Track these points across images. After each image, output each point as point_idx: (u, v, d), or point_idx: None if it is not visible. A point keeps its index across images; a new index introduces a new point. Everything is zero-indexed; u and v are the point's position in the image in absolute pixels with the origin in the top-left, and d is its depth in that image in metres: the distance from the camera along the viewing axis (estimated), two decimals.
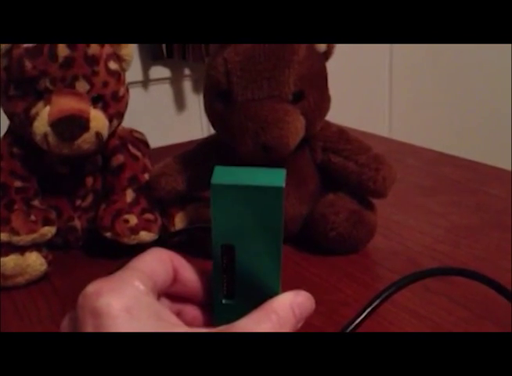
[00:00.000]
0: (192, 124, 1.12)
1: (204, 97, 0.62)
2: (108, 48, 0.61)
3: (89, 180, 0.66)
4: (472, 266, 0.57)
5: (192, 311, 0.33)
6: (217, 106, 0.59)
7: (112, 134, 0.64)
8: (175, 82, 1.09)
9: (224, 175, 0.29)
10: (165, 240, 0.61)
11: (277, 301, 0.28)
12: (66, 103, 0.57)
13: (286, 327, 0.28)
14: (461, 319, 0.49)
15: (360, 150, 0.62)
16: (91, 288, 0.26)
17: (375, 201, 0.64)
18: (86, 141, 0.58)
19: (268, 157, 0.57)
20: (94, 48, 0.59)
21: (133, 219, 0.61)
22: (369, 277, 0.57)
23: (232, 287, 0.31)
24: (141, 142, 0.73)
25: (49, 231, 0.60)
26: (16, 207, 0.59)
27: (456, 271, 0.43)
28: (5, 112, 0.62)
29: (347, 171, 0.61)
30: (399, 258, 0.60)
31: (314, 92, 0.58)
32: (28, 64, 0.57)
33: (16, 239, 0.57)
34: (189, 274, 0.32)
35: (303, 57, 0.57)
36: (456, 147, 0.97)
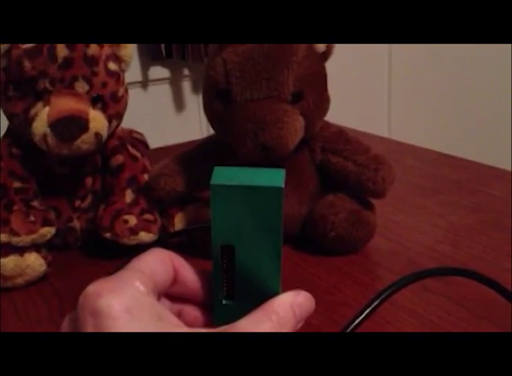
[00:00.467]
0: (192, 124, 1.12)
1: (203, 97, 0.62)
2: (107, 49, 0.61)
3: (88, 181, 0.66)
4: (471, 266, 0.57)
5: (193, 311, 0.33)
6: (216, 106, 0.59)
7: (111, 134, 0.64)
8: (174, 83, 1.09)
9: (223, 175, 0.29)
10: (165, 241, 0.61)
11: (277, 302, 0.28)
12: (65, 104, 0.57)
13: (287, 327, 0.28)
14: (460, 319, 0.49)
15: (359, 150, 0.62)
16: (92, 289, 0.26)
17: (374, 201, 0.64)
18: (85, 141, 0.58)
19: (267, 158, 0.57)
20: (93, 49, 0.59)
21: (132, 220, 0.61)
22: (369, 277, 0.57)
23: (232, 287, 0.31)
24: (140, 143, 0.73)
25: (49, 232, 0.60)
26: (15, 207, 0.59)
27: (455, 271, 0.43)
28: (5, 113, 0.62)
29: (347, 171, 0.61)
30: (399, 258, 0.60)
31: (313, 93, 0.58)
32: (27, 65, 0.57)
33: (15, 240, 0.57)
34: (189, 275, 0.32)
35: (302, 58, 0.57)
36: (456, 147, 0.97)
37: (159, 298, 0.30)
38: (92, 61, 0.59)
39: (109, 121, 0.61)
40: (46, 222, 0.59)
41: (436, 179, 0.82)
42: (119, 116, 0.64)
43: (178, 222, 0.64)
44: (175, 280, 0.31)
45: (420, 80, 1.32)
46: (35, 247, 0.59)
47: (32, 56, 0.57)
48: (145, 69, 1.05)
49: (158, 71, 1.06)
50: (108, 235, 0.61)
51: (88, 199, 0.66)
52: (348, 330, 0.32)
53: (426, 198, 0.76)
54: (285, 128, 0.56)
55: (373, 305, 0.33)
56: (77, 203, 0.65)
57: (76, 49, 0.58)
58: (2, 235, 0.57)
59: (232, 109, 0.57)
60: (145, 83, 1.06)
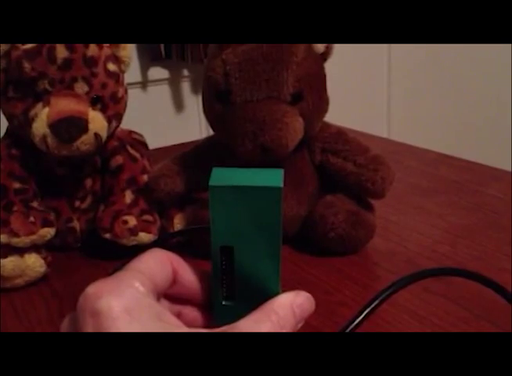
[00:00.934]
0: (191, 125, 1.12)
1: (203, 98, 0.62)
2: (107, 50, 0.61)
3: (88, 181, 0.66)
4: (470, 267, 0.57)
5: (192, 312, 0.33)
6: (215, 107, 0.59)
7: (111, 135, 0.64)
8: (174, 83, 1.09)
9: (222, 176, 0.29)
10: (164, 241, 0.61)
11: (277, 302, 0.29)
12: (65, 105, 0.57)
13: (287, 328, 0.28)
14: (460, 319, 0.49)
15: (359, 150, 0.62)
16: (92, 290, 0.26)
17: (373, 202, 0.64)
18: (85, 142, 0.58)
19: (266, 158, 0.57)
20: (93, 50, 0.59)
21: (132, 220, 0.61)
22: (368, 278, 0.57)
23: (231, 288, 0.31)
24: (140, 144, 0.73)
25: (48, 232, 0.60)
26: (15, 208, 0.59)
27: (455, 271, 0.43)
28: (4, 113, 0.62)
29: (346, 171, 0.62)
30: (398, 258, 0.60)
31: (312, 93, 0.58)
32: (27, 66, 0.57)
33: (15, 240, 0.57)
34: (188, 275, 0.32)
35: (301, 58, 0.57)
36: (455, 148, 0.97)
37: (158, 299, 0.30)
38: (92, 62, 0.59)
39: (109, 122, 0.61)
40: (46, 223, 0.59)
41: (435, 180, 0.82)
42: (118, 117, 0.64)
43: (178, 223, 0.64)
44: (175, 280, 0.31)
45: (419, 80, 1.32)
46: (35, 247, 0.59)
47: (32, 57, 0.57)
48: (144, 70, 1.05)
49: (157, 72, 1.06)
50: (108, 236, 0.61)
51: (88, 200, 0.66)
52: (348, 331, 0.32)
53: (425, 199, 0.76)
54: (284, 129, 0.56)
55: (372, 306, 0.33)
56: (77, 203, 0.65)
57: (75, 50, 0.58)
58: (2, 236, 0.57)
59: (231, 110, 0.57)
60: (144, 84, 1.06)
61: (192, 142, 0.73)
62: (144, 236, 0.61)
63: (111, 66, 0.61)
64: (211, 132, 0.64)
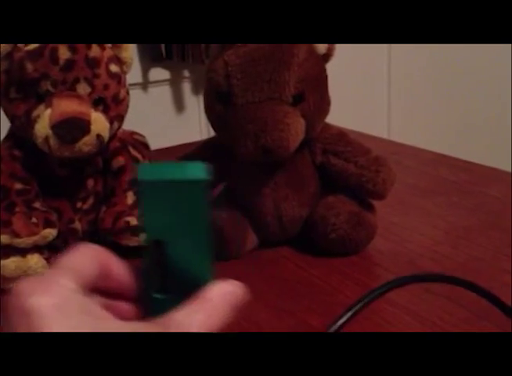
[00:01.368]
0: (192, 125, 1.12)
1: (205, 99, 0.62)
2: (109, 51, 0.61)
3: (90, 182, 0.66)
4: (470, 267, 0.58)
5: (125, 306, 0.32)
6: (217, 108, 0.59)
7: (113, 136, 0.64)
8: (175, 84, 1.09)
9: (149, 171, 0.29)
10: None
11: (210, 291, 0.29)
12: (67, 106, 0.57)
13: (221, 316, 0.28)
14: (461, 320, 0.49)
15: (360, 152, 0.62)
16: (20, 288, 0.26)
17: (374, 203, 0.64)
18: (87, 143, 0.58)
19: (268, 159, 0.57)
20: (95, 51, 0.59)
21: (134, 221, 0.61)
22: (369, 279, 0.57)
23: (164, 281, 0.31)
24: (141, 145, 0.73)
25: (50, 233, 0.60)
26: (16, 209, 0.59)
27: (453, 280, 0.43)
28: (6, 114, 0.62)
29: (347, 173, 0.62)
30: (399, 259, 0.61)
31: (314, 94, 0.59)
32: (29, 67, 0.57)
33: (17, 241, 0.57)
34: (119, 269, 0.32)
35: (303, 59, 0.57)
36: (455, 148, 0.97)
37: (90, 294, 0.29)
38: (94, 63, 0.59)
39: (111, 123, 0.61)
40: (48, 224, 0.60)
41: (435, 181, 0.82)
42: (120, 118, 0.64)
43: None
44: (106, 275, 0.31)
45: (419, 81, 1.33)
46: (37, 248, 0.59)
47: (34, 58, 0.58)
48: (145, 70, 1.05)
49: (158, 73, 1.06)
50: (109, 236, 0.61)
51: (90, 200, 0.66)
52: (336, 326, 0.32)
53: (425, 199, 0.76)
54: (286, 130, 0.56)
55: (356, 309, 0.33)
56: (79, 204, 0.66)
57: (78, 51, 0.58)
58: (4, 236, 0.57)
59: (233, 111, 0.57)
60: (145, 85, 1.07)
61: (193, 143, 0.73)
62: None
63: (113, 68, 0.61)
64: (212, 133, 0.64)
